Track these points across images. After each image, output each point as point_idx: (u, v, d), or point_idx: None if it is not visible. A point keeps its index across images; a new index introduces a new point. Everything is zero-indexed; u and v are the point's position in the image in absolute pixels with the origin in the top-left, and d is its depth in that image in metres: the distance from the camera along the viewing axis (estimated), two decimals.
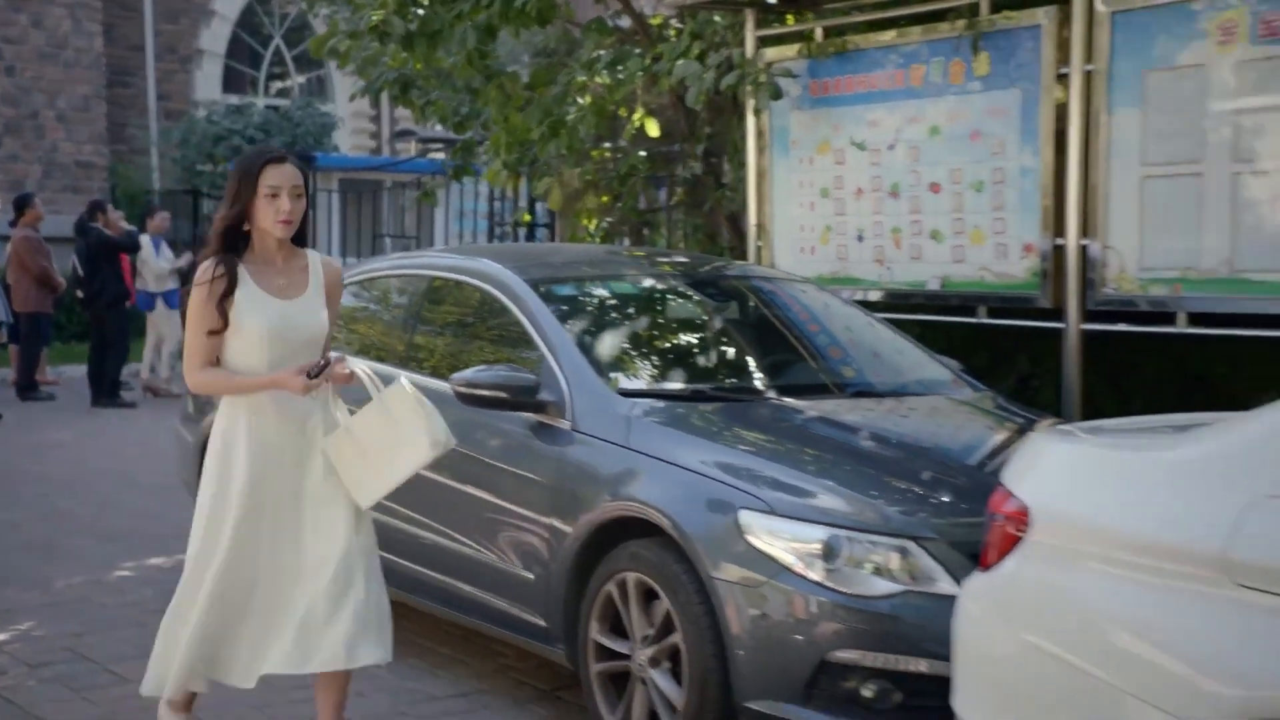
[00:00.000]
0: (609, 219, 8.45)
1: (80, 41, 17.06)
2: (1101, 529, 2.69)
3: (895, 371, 5.03)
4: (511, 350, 4.63)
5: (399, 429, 3.48)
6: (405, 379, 3.58)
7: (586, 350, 4.47)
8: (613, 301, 4.99)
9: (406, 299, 5.25)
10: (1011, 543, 2.83)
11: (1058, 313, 5.59)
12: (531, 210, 11.81)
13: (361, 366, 3.54)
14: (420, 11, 7.36)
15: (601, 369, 4.41)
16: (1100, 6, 5.28)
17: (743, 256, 7.12)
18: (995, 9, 5.73)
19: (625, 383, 4.41)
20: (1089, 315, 5.49)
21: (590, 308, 4.88)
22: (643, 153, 7.97)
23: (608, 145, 8.64)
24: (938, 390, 4.90)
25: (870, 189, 6.34)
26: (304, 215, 3.53)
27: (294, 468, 3.56)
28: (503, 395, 4.28)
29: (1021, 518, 2.82)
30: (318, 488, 3.56)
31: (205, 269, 3.48)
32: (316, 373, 3.42)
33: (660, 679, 3.87)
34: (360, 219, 15.64)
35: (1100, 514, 2.70)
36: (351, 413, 3.61)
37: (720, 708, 3.71)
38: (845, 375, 4.98)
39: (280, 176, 3.43)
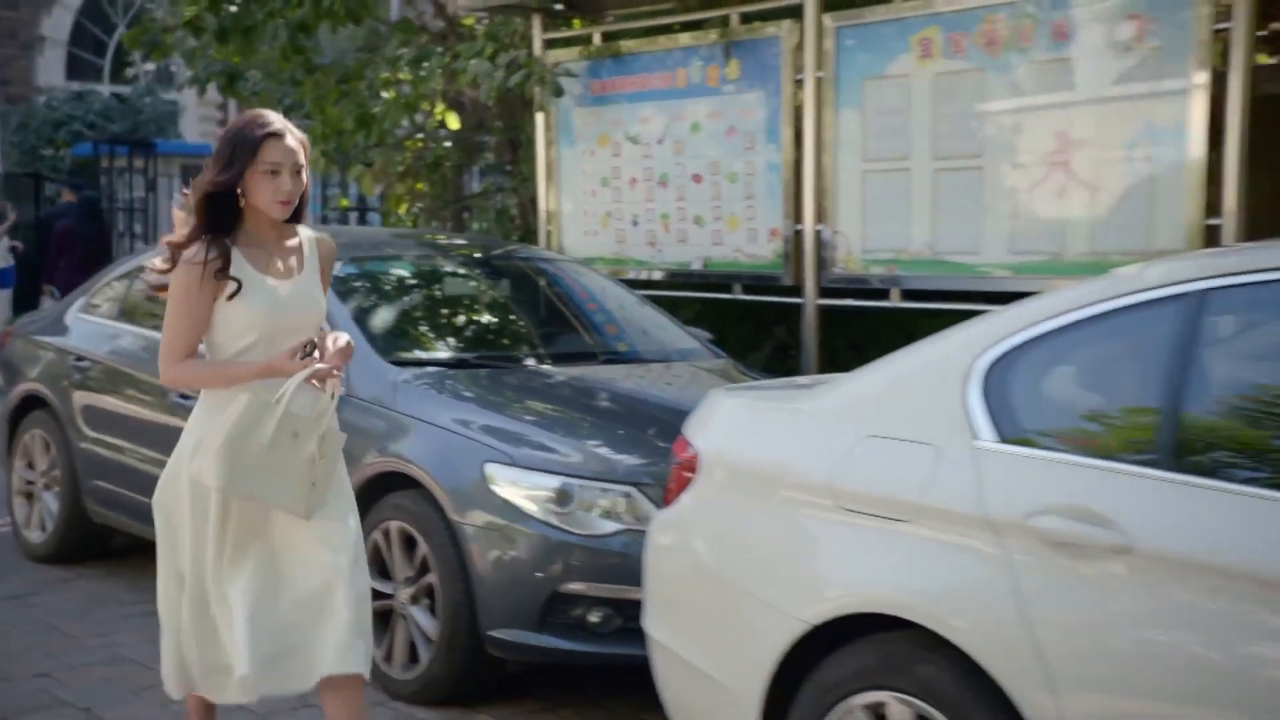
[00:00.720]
0: (419, 204, 8.60)
1: None
2: (752, 468, 3.03)
3: (648, 341, 5.36)
4: None
5: (295, 455, 2.96)
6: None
7: (362, 324, 4.68)
8: (392, 280, 5.21)
9: None
10: (685, 483, 3.16)
11: (799, 289, 6.01)
12: (361, 196, 11.87)
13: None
14: (234, 8, 7.41)
15: (375, 341, 4.63)
16: (827, 22, 5.68)
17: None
18: (744, 20, 6.10)
19: (396, 353, 4.64)
20: (823, 291, 5.91)
21: (369, 286, 5.09)
22: (448, 144, 8.14)
23: (420, 135, 8.81)
24: (685, 358, 5.25)
25: (643, 179, 6.66)
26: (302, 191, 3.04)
27: None
28: None
29: (693, 462, 3.15)
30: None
31: (195, 252, 2.94)
32: (308, 352, 2.94)
33: (418, 614, 4.13)
34: None
35: (751, 456, 3.05)
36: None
37: (468, 637, 3.99)
38: (602, 345, 5.31)
39: (282, 153, 2.95)
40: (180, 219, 3.05)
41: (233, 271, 2.96)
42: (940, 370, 2.77)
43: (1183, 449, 2.35)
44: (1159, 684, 2.27)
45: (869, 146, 5.64)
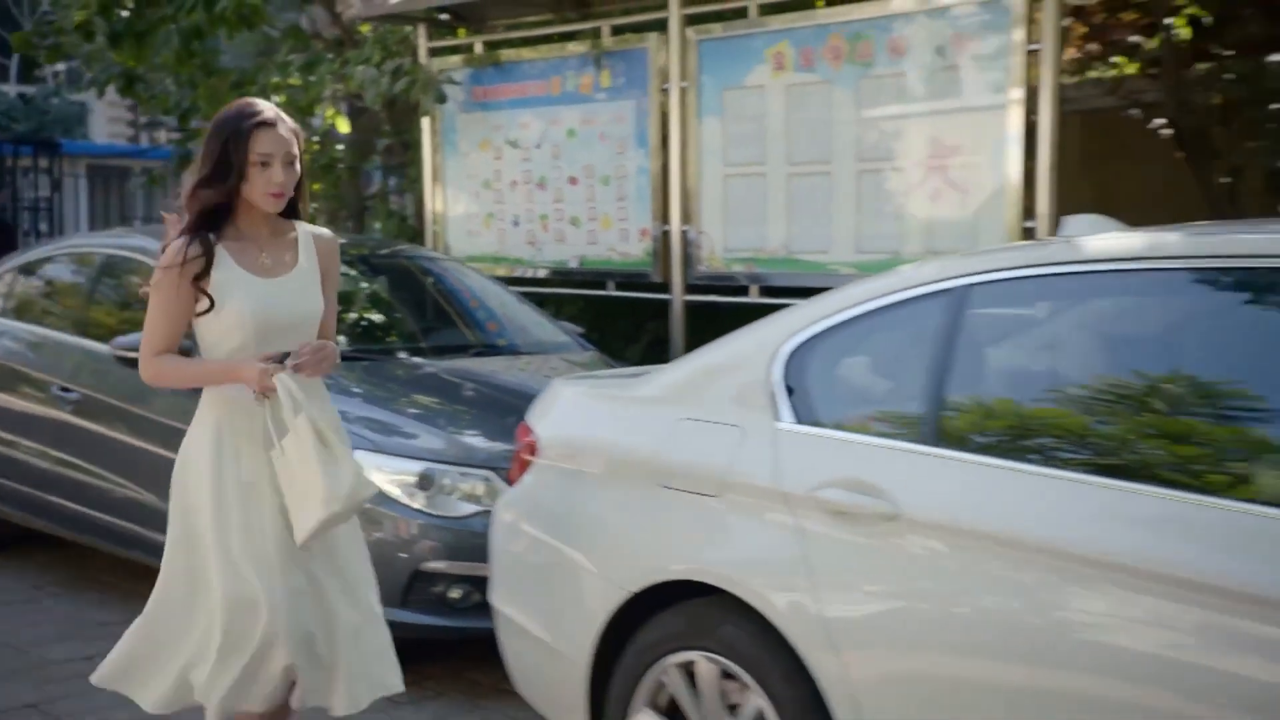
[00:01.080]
0: (314, 205, 8.61)
1: None
2: (584, 450, 3.18)
3: (521, 336, 5.49)
4: None
5: (302, 473, 2.71)
6: (306, 419, 2.67)
7: None
8: None
9: (85, 274, 5.37)
10: (526, 466, 3.30)
11: (667, 286, 6.19)
12: None
13: (284, 382, 2.67)
14: (125, 13, 7.36)
15: None
16: (690, 35, 5.86)
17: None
18: (615, 33, 6.26)
19: None
20: (690, 288, 6.10)
21: None
22: (340, 146, 8.18)
23: (316, 139, 8.81)
24: (555, 351, 5.38)
25: (522, 181, 6.78)
26: (297, 184, 2.81)
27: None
28: None
29: (534, 446, 3.29)
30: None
31: (176, 249, 2.73)
32: (278, 360, 2.69)
33: None
34: (109, 203, 15.16)
35: (584, 439, 3.20)
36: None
37: None
38: (477, 338, 5.42)
39: (273, 142, 2.71)
40: (172, 221, 2.83)
41: (218, 268, 2.74)
42: (748, 358, 2.94)
43: (944, 427, 2.55)
44: (926, 639, 2.46)
45: (729, 153, 5.83)
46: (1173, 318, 2.41)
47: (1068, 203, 6.56)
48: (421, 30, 7.04)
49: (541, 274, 6.76)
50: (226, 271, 2.75)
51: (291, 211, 2.86)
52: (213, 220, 2.76)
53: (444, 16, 7.11)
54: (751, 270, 5.81)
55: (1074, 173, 6.89)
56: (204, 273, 2.73)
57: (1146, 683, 2.14)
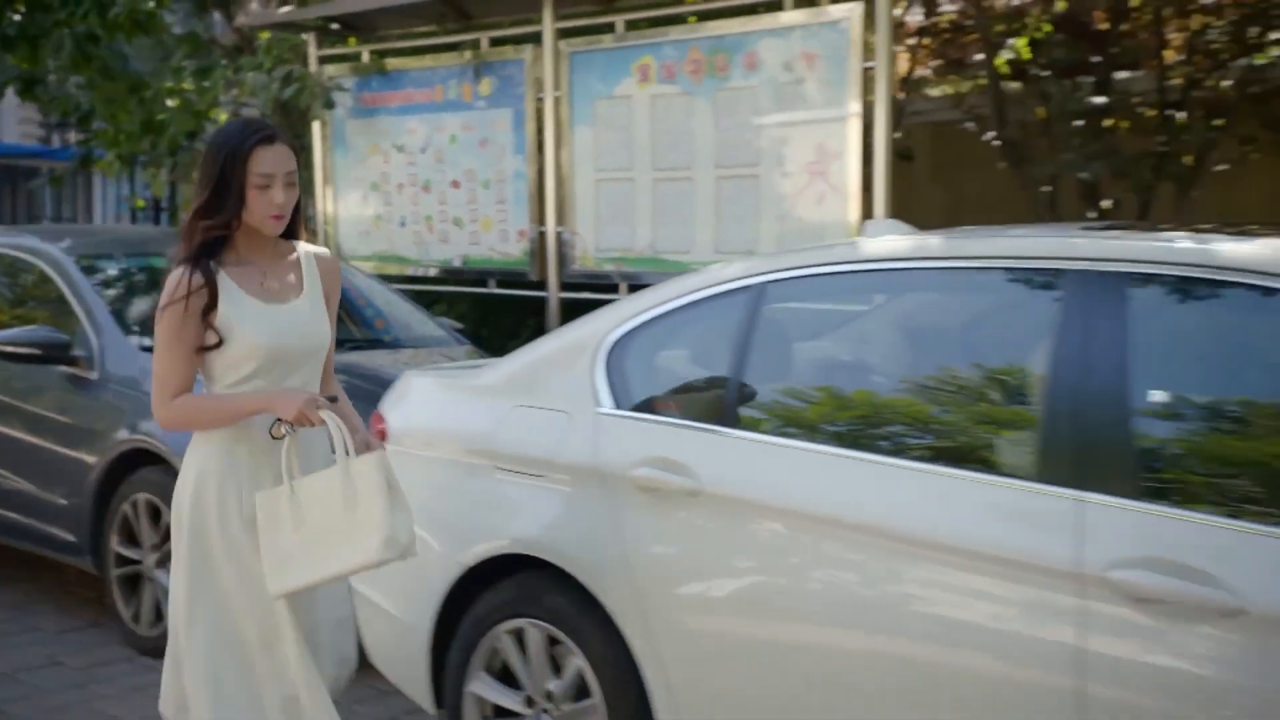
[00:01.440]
0: None
1: None
2: (429, 436, 3.28)
3: (399, 330, 5.55)
4: (53, 314, 4.84)
5: (352, 512, 2.46)
6: (378, 456, 2.51)
7: (117, 314, 4.74)
8: (147, 274, 5.26)
9: None
10: None
11: (544, 284, 6.30)
12: (156, 198, 11.64)
13: (334, 418, 2.48)
14: (18, 17, 7.25)
15: (129, 329, 4.70)
16: (563, 47, 5.97)
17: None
18: (494, 44, 6.35)
19: (145, 340, 4.71)
20: (565, 285, 6.21)
21: (125, 279, 5.14)
22: None
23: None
24: (434, 345, 5.46)
25: (409, 184, 6.83)
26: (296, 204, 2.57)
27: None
28: (37, 352, 4.51)
29: (384, 433, 3.38)
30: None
31: (177, 283, 2.48)
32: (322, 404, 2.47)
33: (163, 577, 4.24)
34: (15, 203, 14.78)
35: (430, 426, 3.30)
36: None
37: None
38: (363, 333, 5.48)
39: (274, 162, 2.47)
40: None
41: (222, 296, 2.49)
42: (576, 350, 3.07)
43: (741, 410, 2.71)
44: (722, 602, 2.62)
45: (600, 159, 5.96)
46: (933, 311, 2.60)
47: (921, 207, 6.85)
48: (312, 39, 7.05)
49: (433, 273, 6.83)
50: (231, 300, 2.51)
51: (289, 231, 2.60)
52: (211, 244, 2.51)
53: (334, 26, 7.13)
54: (621, 269, 5.95)
55: (926, 179, 7.17)
56: (211, 305, 2.49)
57: (879, 631, 2.32)
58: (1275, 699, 1.91)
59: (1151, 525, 2.06)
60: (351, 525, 2.44)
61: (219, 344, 2.50)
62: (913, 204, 6.87)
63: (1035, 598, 2.16)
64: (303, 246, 2.68)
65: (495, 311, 7.27)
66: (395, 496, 2.48)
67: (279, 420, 2.49)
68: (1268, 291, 2.10)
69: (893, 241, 2.73)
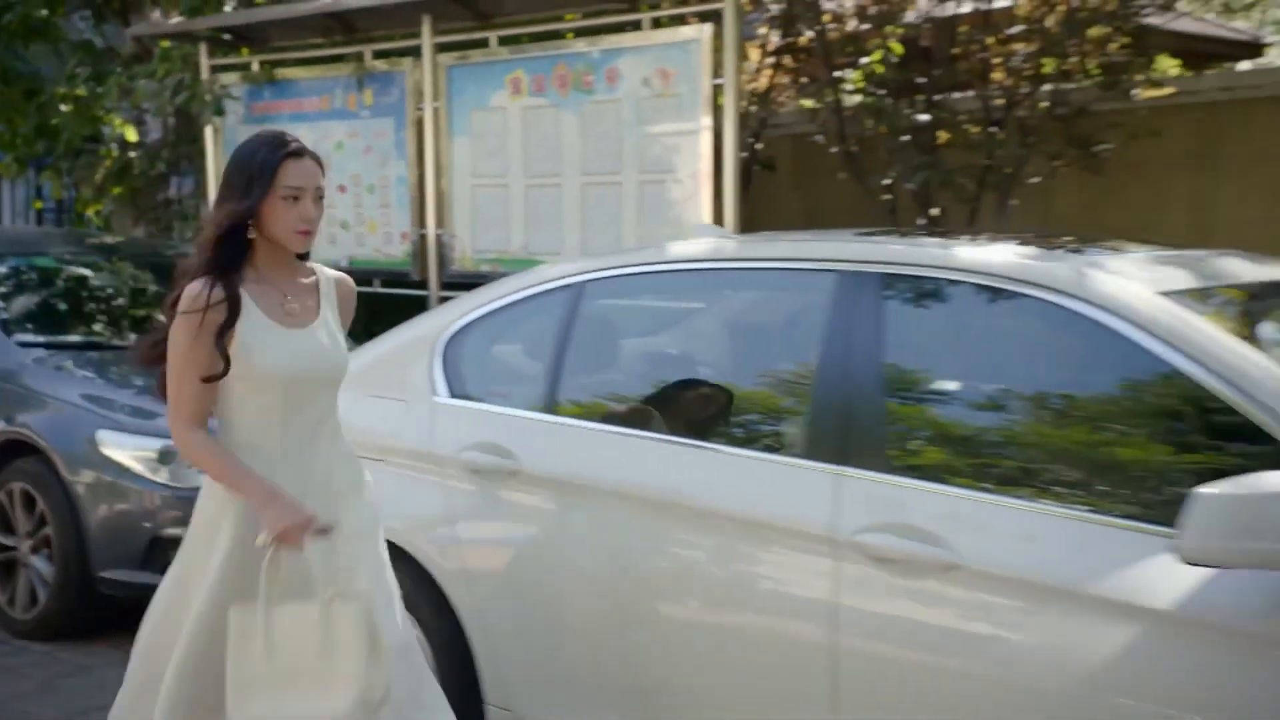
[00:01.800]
0: (110, 208, 8.43)
1: None
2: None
3: None
4: None
5: (328, 661, 2.21)
6: (363, 604, 2.26)
7: None
8: (32, 273, 5.23)
9: None
10: None
11: (425, 283, 6.38)
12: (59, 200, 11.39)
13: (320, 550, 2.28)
14: None
15: (7, 324, 4.68)
16: (441, 60, 6.07)
17: None
18: (376, 57, 6.41)
19: (24, 336, 4.70)
20: (445, 285, 6.30)
21: (9, 277, 5.10)
22: (132, 154, 8.02)
23: (114, 146, 8.61)
24: None
25: None
26: None
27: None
28: None
29: None
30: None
31: (196, 293, 2.27)
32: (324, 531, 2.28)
33: (38, 562, 4.25)
34: None
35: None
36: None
37: (81, 578, 4.15)
38: None
39: (303, 175, 2.31)
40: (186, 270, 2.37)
41: (242, 318, 2.29)
42: (417, 342, 3.19)
43: (559, 398, 2.86)
44: (540, 575, 2.76)
45: (476, 166, 6.06)
46: (728, 307, 2.77)
47: (783, 213, 7.07)
48: (204, 48, 7.02)
49: None
50: (250, 321, 2.31)
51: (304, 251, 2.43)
52: (229, 260, 2.31)
53: (227, 37, 7.11)
54: (497, 270, 6.04)
55: (788, 188, 7.39)
56: (229, 322, 2.27)
57: (669, 597, 2.49)
58: (984, 640, 2.11)
59: (893, 494, 2.25)
60: (326, 673, 2.20)
61: (225, 373, 2.28)
62: (776, 210, 7.11)
63: (801, 561, 2.34)
64: (322, 270, 2.50)
65: (381, 310, 7.30)
66: (375, 651, 2.23)
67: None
68: (993, 290, 2.31)
69: (697, 244, 2.90)
